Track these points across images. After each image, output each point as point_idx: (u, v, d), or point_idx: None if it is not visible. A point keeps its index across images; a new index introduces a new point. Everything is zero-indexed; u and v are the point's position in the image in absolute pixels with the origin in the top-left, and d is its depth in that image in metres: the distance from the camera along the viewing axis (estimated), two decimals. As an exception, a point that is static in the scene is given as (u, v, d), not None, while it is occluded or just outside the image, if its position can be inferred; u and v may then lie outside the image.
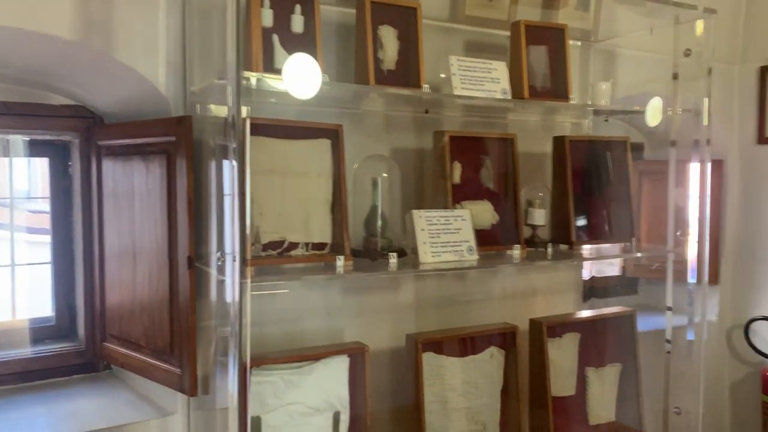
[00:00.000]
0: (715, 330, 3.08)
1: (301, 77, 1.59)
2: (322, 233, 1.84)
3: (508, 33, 2.21)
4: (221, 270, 1.62)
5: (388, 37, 1.93)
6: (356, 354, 1.91)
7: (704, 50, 2.31)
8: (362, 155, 2.02)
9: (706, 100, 2.34)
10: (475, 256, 1.95)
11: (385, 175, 1.99)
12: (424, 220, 1.91)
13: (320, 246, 1.83)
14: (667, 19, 2.33)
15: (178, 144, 1.74)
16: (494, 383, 2.16)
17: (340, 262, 1.77)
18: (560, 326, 2.28)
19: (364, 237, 1.94)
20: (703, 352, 2.40)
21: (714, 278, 3.04)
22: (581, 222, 2.31)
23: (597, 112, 2.44)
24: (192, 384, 1.76)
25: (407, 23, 1.96)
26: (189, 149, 1.72)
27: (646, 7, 2.26)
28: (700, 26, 2.30)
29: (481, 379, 2.13)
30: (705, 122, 2.34)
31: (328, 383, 1.89)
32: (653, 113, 2.43)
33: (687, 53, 2.30)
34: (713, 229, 3.01)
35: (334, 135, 1.86)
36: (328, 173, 1.86)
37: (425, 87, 1.91)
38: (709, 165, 2.38)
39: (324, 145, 1.86)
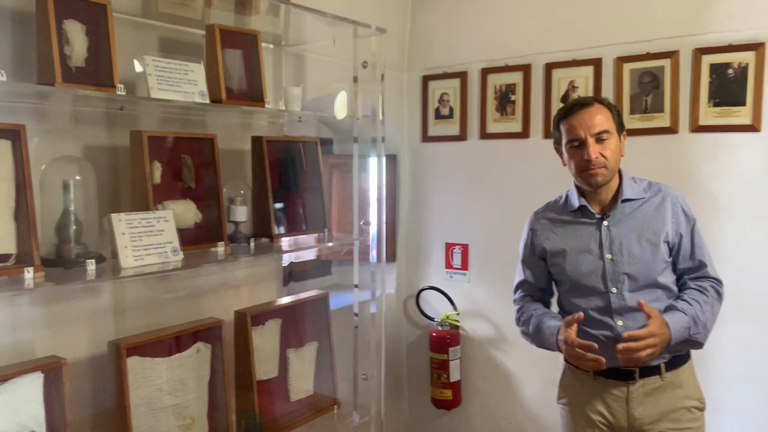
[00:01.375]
0: (393, 301, 3.58)
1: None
2: (5, 243, 1.68)
3: (203, 32, 2.25)
4: None
5: (75, 32, 1.81)
6: (51, 369, 1.80)
7: (378, 61, 2.67)
8: (51, 156, 1.88)
9: (380, 104, 2.70)
10: (180, 256, 1.99)
11: (78, 177, 1.88)
12: (124, 223, 1.87)
13: (3, 258, 1.68)
14: (348, 31, 2.63)
15: None
16: (202, 377, 2.22)
17: (29, 274, 1.65)
18: (263, 314, 2.44)
19: (56, 244, 1.82)
20: (384, 322, 2.80)
21: (392, 257, 3.52)
22: (280, 216, 2.49)
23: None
24: None
25: (96, 18, 1.86)
26: None
27: (329, 19, 2.50)
28: (374, 41, 2.64)
29: (189, 375, 2.18)
30: (380, 122, 2.71)
31: (19, 404, 1.74)
32: (340, 107, 2.72)
33: (364, 65, 2.63)
34: (390, 214, 3.48)
35: (15, 136, 1.70)
36: (9, 177, 1.70)
37: (120, 87, 1.86)
38: (384, 159, 2.77)
39: (3, 146, 1.69)
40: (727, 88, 2.69)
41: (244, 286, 2.59)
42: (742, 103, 2.67)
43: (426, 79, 3.51)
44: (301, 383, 2.62)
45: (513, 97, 3.25)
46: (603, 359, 1.86)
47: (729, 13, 2.69)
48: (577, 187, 2.07)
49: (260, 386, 2.39)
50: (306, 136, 2.68)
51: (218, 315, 2.32)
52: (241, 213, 2.31)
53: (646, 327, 1.84)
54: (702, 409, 2.00)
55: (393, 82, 3.45)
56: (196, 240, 2.15)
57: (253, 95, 2.33)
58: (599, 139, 1.92)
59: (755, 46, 2.62)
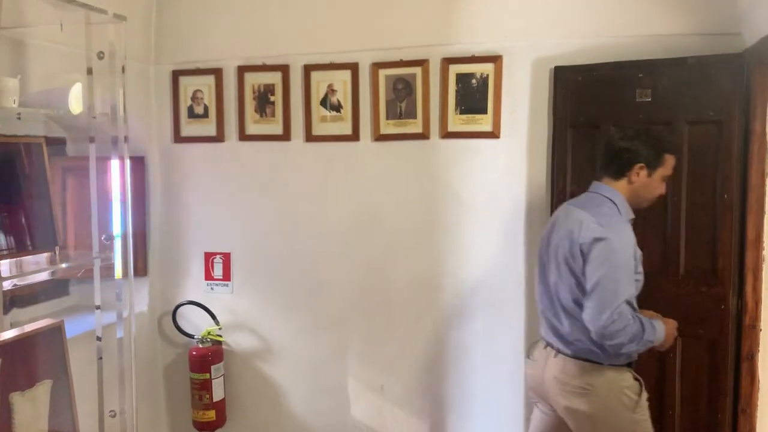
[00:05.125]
0: (146, 320, 3.23)
1: None
2: None
3: None
4: None
5: None
6: None
7: (117, 51, 2.35)
8: None
9: (120, 99, 2.39)
10: None
11: None
12: None
13: None
14: (79, 16, 2.26)
15: None
16: None
17: None
18: (-25, 356, 1.99)
19: None
20: (134, 346, 2.49)
21: (143, 270, 3.17)
22: (-5, 234, 2.06)
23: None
24: None
25: None
26: None
27: (54, 0, 2.13)
28: (111, 29, 2.31)
29: None
30: (121, 119, 2.38)
31: None
32: (76, 101, 2.33)
33: (100, 56, 2.29)
34: (139, 222, 3.13)
35: None
36: None
37: None
38: (128, 162, 2.45)
39: None
40: (472, 96, 2.88)
41: (-54, 322, 2.09)
42: (484, 111, 2.88)
43: (176, 74, 3.21)
44: (33, 430, 2.20)
45: (272, 98, 3.12)
46: None
47: (471, 26, 2.88)
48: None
49: (-27, 444, 1.95)
50: (28, 135, 2.26)
51: None
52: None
53: None
54: None
55: (138, 75, 3.10)
56: None
57: (-49, 86, 1.87)
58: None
59: (494, 59, 2.84)
